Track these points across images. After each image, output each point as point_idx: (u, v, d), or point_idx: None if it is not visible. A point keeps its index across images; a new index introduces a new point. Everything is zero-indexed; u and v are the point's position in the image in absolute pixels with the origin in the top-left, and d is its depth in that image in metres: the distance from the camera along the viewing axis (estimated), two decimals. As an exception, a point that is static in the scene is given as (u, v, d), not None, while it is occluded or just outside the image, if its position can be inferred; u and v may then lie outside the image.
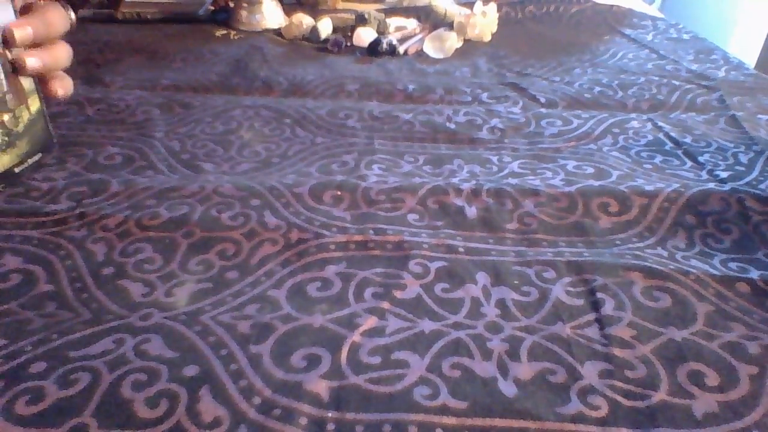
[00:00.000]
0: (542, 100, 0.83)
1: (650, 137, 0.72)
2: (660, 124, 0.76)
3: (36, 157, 0.47)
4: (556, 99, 0.84)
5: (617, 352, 0.40)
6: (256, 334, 0.41)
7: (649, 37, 1.17)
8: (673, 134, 0.72)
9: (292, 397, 0.36)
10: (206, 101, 0.79)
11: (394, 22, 1.13)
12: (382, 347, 0.40)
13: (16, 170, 0.46)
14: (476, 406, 0.36)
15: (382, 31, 1.09)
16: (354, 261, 0.49)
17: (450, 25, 1.14)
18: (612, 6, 1.33)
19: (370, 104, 0.81)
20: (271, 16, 1.16)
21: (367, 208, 0.56)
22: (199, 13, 1.18)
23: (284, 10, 1.20)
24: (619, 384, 0.38)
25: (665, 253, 0.51)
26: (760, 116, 0.78)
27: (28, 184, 0.57)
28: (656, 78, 0.92)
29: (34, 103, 0.45)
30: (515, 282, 0.47)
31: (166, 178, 0.60)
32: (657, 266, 0.48)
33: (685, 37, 1.17)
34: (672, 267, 0.49)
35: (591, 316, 0.44)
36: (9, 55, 0.39)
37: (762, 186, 0.60)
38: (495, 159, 0.66)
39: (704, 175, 0.63)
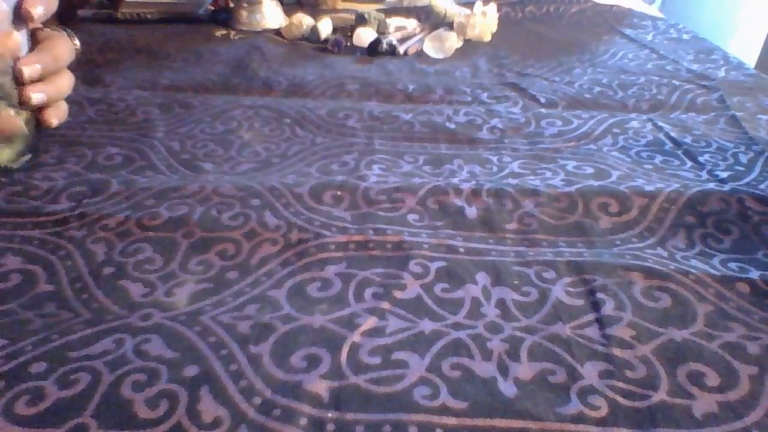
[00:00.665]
0: (542, 100, 0.83)
1: (650, 137, 0.72)
2: (660, 124, 0.76)
3: (27, 156, 0.47)
4: (556, 99, 0.84)
5: (617, 352, 0.40)
6: (256, 334, 0.41)
7: (649, 37, 1.17)
8: (673, 134, 0.72)
9: (292, 397, 0.36)
10: (206, 101, 0.79)
11: (394, 22, 1.13)
12: (382, 347, 0.40)
13: (14, 166, 0.46)
14: (476, 406, 0.36)
15: (382, 31, 1.09)
16: (354, 261, 0.49)
17: (450, 25, 1.14)
18: (612, 6, 1.33)
19: (370, 104, 0.81)
20: (271, 16, 1.16)
21: (367, 208, 0.56)
22: (199, 13, 1.18)
23: (284, 10, 1.20)
24: (619, 384, 0.38)
25: (665, 254, 0.51)
26: (760, 116, 0.78)
27: (28, 184, 0.57)
28: (656, 78, 0.92)
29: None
30: (515, 282, 0.47)
31: (166, 178, 0.60)
32: (657, 266, 0.48)
33: (685, 37, 1.17)
34: (672, 267, 0.49)
35: (591, 316, 0.44)
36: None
37: (762, 186, 0.60)
38: (495, 159, 0.66)
39: (704, 175, 0.63)
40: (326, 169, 0.63)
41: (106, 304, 0.43)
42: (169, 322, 0.42)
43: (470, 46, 1.10)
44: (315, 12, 1.23)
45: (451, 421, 0.35)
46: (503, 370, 0.39)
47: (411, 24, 1.14)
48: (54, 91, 0.40)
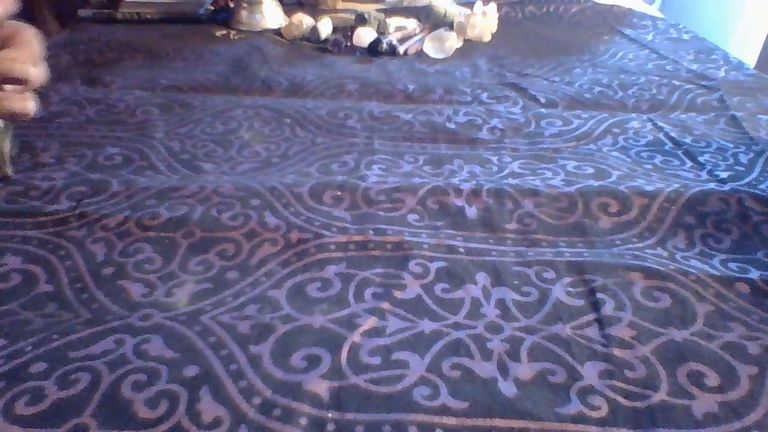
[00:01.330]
0: (542, 100, 0.83)
1: (650, 137, 0.72)
2: (660, 124, 0.76)
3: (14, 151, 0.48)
4: (556, 99, 0.84)
5: (617, 352, 0.40)
6: (256, 334, 0.41)
7: (649, 37, 1.17)
8: (673, 134, 0.72)
9: (292, 398, 0.36)
10: (206, 101, 0.79)
11: (394, 22, 1.13)
12: (382, 347, 0.40)
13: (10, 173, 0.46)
14: (476, 406, 0.36)
15: (382, 31, 1.09)
16: (354, 261, 0.49)
17: (450, 25, 1.14)
18: (612, 6, 1.33)
19: (370, 104, 0.81)
20: (271, 16, 1.16)
21: (367, 208, 0.56)
22: (199, 13, 1.18)
23: (284, 10, 1.20)
24: (619, 384, 0.38)
25: (665, 254, 0.51)
26: (760, 116, 0.78)
27: (28, 184, 0.57)
28: (656, 78, 0.92)
29: None
30: (515, 282, 0.47)
31: (166, 178, 0.60)
32: (657, 266, 0.48)
33: (685, 37, 1.17)
34: (672, 267, 0.49)
35: (591, 317, 0.44)
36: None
37: (762, 186, 0.60)
38: (495, 159, 0.66)
39: (704, 175, 0.63)
40: (326, 169, 0.63)
41: (106, 304, 0.43)
42: (169, 322, 0.42)
43: (470, 46, 1.10)
44: (315, 12, 1.23)
45: (451, 421, 0.35)
46: (503, 370, 0.39)
47: (411, 24, 1.14)
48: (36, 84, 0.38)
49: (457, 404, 0.36)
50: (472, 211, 0.56)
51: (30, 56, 0.37)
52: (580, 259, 0.49)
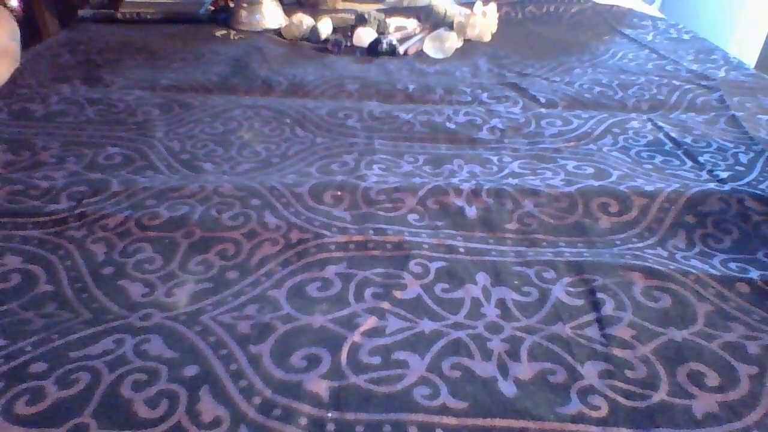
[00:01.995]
0: (542, 100, 0.83)
1: (650, 137, 0.72)
2: (660, 124, 0.75)
3: None
4: (556, 99, 0.84)
5: (617, 352, 0.40)
6: (256, 334, 0.41)
7: (649, 37, 1.17)
8: (673, 134, 0.72)
9: (292, 397, 0.36)
10: (206, 101, 0.79)
11: (394, 22, 1.13)
12: (382, 347, 0.40)
13: None
14: (476, 406, 0.36)
15: (382, 31, 1.09)
16: (354, 261, 0.49)
17: (450, 25, 1.14)
18: (612, 6, 1.33)
19: (370, 104, 0.81)
20: (271, 16, 1.16)
21: (367, 208, 0.56)
22: (199, 13, 1.18)
23: (284, 10, 1.20)
24: (619, 384, 0.38)
25: (665, 254, 0.51)
26: (760, 116, 0.78)
27: (28, 184, 0.57)
28: (656, 78, 0.92)
29: None
30: (515, 282, 0.47)
31: (166, 178, 0.60)
32: (657, 266, 0.48)
33: (685, 37, 1.17)
34: (672, 267, 0.49)
35: (591, 317, 0.44)
36: None
37: (762, 186, 0.60)
38: (495, 159, 0.66)
39: (704, 175, 0.63)
40: (326, 169, 0.63)
41: (106, 304, 0.43)
42: (169, 322, 0.42)
43: (470, 46, 1.10)
44: (315, 12, 1.23)
45: (451, 420, 0.35)
46: (503, 370, 0.39)
47: (411, 24, 1.14)
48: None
49: (457, 404, 0.36)
50: (472, 211, 0.56)
51: (10, 32, 0.37)
52: (580, 259, 0.49)
